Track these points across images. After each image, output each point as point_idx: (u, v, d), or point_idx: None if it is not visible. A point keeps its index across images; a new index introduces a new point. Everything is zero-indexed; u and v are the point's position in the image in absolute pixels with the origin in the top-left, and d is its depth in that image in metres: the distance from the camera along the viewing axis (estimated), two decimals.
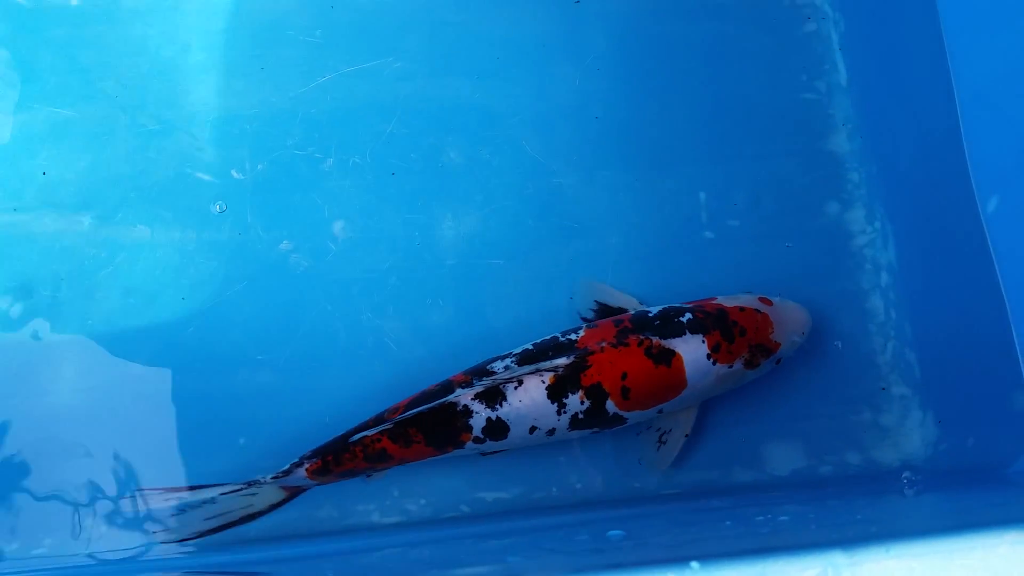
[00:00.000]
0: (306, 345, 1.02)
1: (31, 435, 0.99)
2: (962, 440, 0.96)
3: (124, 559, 0.97)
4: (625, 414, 0.92)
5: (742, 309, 0.95)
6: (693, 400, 0.94)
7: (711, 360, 0.92)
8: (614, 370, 0.90)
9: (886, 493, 0.91)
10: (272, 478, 0.93)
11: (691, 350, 0.91)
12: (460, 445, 0.92)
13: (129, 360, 1.01)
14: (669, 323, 0.92)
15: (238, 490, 0.93)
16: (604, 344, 0.91)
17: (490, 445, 0.92)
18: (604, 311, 1.00)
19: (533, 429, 0.91)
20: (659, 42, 1.11)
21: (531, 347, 0.94)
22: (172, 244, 1.04)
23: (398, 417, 0.90)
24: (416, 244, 1.06)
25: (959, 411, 0.97)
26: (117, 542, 0.98)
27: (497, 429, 0.91)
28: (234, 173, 1.07)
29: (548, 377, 0.90)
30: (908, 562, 0.52)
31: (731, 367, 0.93)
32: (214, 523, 0.93)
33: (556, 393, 0.90)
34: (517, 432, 0.91)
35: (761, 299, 0.98)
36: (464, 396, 0.90)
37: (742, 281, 1.04)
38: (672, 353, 0.91)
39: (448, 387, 0.92)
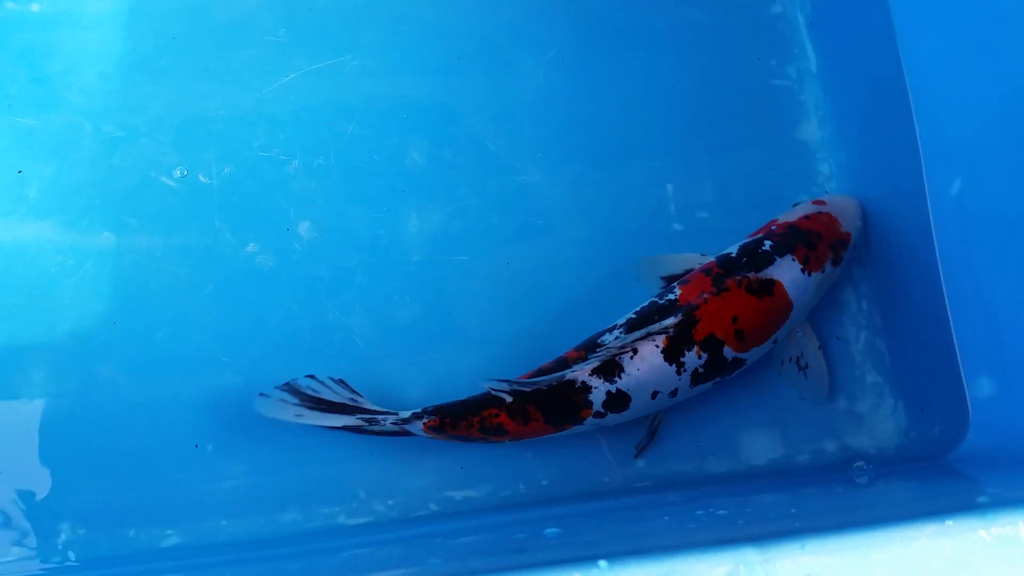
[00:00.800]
0: (272, 346, 1.02)
1: (2, 438, 0.99)
2: (929, 428, 0.94)
3: (97, 564, 0.97)
4: (744, 355, 0.92)
5: (808, 217, 0.97)
6: (801, 317, 0.96)
7: (806, 273, 0.94)
8: (723, 317, 0.90)
9: (843, 483, 0.89)
10: (392, 423, 0.92)
11: (787, 272, 0.93)
12: (580, 422, 0.91)
13: (98, 365, 1.01)
14: (756, 256, 0.94)
15: (357, 427, 0.92)
16: (706, 295, 0.91)
17: (612, 419, 0.92)
18: (672, 280, 0.98)
19: (655, 394, 0.91)
20: (623, 32, 1.10)
21: (634, 315, 0.93)
22: (139, 250, 1.04)
23: (517, 386, 0.89)
24: (382, 242, 1.05)
25: (927, 399, 0.95)
26: (91, 547, 0.97)
27: (618, 401, 0.90)
28: (200, 177, 1.07)
29: (661, 340, 0.89)
30: (823, 558, 0.50)
31: (823, 272, 0.95)
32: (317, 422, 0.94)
33: (672, 354, 0.89)
34: (639, 401, 0.90)
35: (815, 202, 1.00)
36: (581, 372, 0.89)
37: None
38: (772, 282, 0.92)
39: (563, 363, 0.92)
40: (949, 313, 0.89)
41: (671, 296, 0.93)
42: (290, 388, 0.95)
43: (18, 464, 0.98)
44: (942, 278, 0.90)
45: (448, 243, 1.05)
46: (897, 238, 1.00)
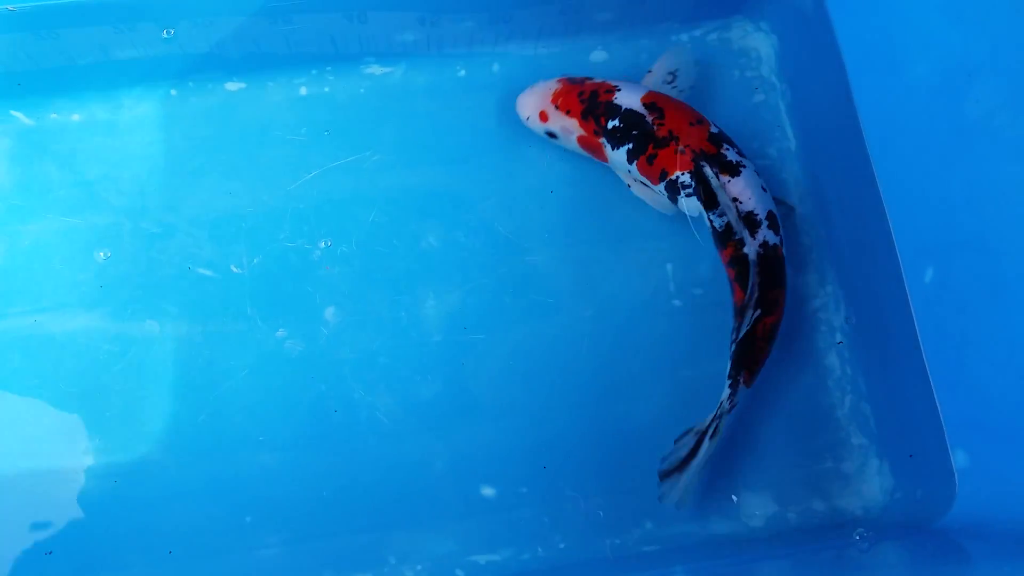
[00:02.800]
0: (303, 424, 1.07)
1: (60, 519, 1.04)
2: (912, 491, 0.99)
3: None
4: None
5: (582, 87, 1.08)
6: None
7: (636, 86, 1.08)
8: (691, 130, 1.03)
9: (842, 548, 0.94)
10: (728, 403, 0.97)
11: (630, 95, 1.05)
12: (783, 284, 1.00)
13: (144, 447, 1.06)
14: (608, 108, 1.05)
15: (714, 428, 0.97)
16: (680, 148, 1.02)
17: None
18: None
19: (764, 189, 1.03)
20: None
21: (701, 198, 1.02)
22: (180, 337, 1.10)
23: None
24: (402, 324, 1.11)
25: (909, 464, 1.00)
26: None
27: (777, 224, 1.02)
28: (233, 268, 1.12)
29: (726, 179, 1.01)
30: None
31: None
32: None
33: (732, 170, 1.01)
34: (766, 201, 1.02)
35: (561, 82, 1.10)
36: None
37: (709, 345, 1.09)
38: (649, 102, 1.04)
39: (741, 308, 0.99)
40: (933, 387, 0.93)
41: (687, 179, 1.01)
42: (664, 473, 1.00)
43: (76, 542, 1.03)
44: (924, 354, 0.94)
45: (464, 322, 1.10)
46: (877, 309, 1.04)
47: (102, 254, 1.12)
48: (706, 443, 0.98)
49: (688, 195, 1.03)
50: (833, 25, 1.04)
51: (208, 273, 1.12)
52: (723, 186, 1.00)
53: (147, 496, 1.05)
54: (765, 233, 1.00)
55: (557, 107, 1.06)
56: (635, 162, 1.04)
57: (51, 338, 1.10)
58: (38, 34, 1.10)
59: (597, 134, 1.05)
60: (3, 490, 1.05)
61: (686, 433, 1.01)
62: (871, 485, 1.04)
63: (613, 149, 1.05)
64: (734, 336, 0.99)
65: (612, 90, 1.05)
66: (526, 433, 1.06)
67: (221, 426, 1.07)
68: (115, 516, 1.05)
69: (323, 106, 1.17)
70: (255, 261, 1.12)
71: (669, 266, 1.12)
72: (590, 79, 1.08)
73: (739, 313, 1.00)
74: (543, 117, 1.07)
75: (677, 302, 1.11)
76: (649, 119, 1.03)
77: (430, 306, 1.11)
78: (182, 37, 1.12)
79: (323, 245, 1.11)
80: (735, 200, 1.00)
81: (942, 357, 0.92)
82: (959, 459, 0.91)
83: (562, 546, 1.04)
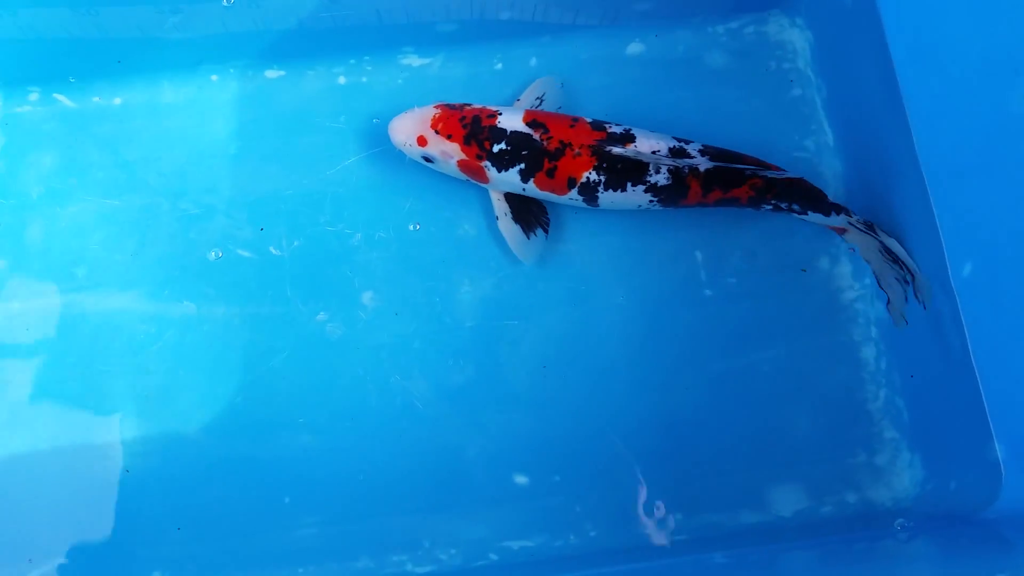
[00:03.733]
0: (341, 407, 1.06)
1: (96, 495, 1.04)
2: (945, 483, 0.98)
3: None
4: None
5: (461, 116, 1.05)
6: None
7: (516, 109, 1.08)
8: (570, 132, 1.04)
9: (880, 539, 0.93)
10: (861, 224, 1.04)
11: (511, 119, 1.05)
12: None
13: (183, 427, 1.06)
14: (492, 132, 1.04)
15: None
16: (577, 151, 1.02)
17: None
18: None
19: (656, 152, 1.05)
20: (656, 112, 1.14)
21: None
22: (217, 319, 1.09)
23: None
24: (437, 309, 1.10)
25: (942, 456, 0.99)
26: None
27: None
28: (272, 250, 1.12)
29: (629, 147, 1.03)
30: None
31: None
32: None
33: (623, 140, 1.04)
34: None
35: (437, 108, 1.06)
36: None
37: (741, 335, 1.08)
38: (534, 120, 1.05)
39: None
40: (978, 378, 0.91)
41: (595, 176, 1.03)
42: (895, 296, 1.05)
43: (113, 518, 1.03)
44: (969, 347, 0.93)
45: (498, 309, 1.09)
46: (915, 304, 1.04)
47: (141, 235, 1.12)
48: (897, 249, 1.02)
49: (604, 190, 1.03)
50: (882, 20, 1.02)
51: (247, 255, 1.11)
52: (637, 151, 1.01)
53: (184, 476, 1.05)
54: (694, 148, 1.04)
55: (437, 132, 1.04)
56: (531, 180, 1.04)
57: (88, 318, 1.10)
58: (85, 18, 1.10)
59: (480, 158, 1.04)
60: (40, 465, 1.04)
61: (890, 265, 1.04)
62: (902, 478, 1.03)
63: (499, 171, 1.04)
64: (798, 204, 1.05)
65: (494, 115, 1.04)
66: (559, 421, 1.06)
67: (260, 408, 1.07)
68: (151, 495, 1.04)
69: (361, 95, 1.16)
70: (295, 244, 1.12)
71: (699, 254, 1.11)
72: (468, 105, 1.06)
73: (765, 192, 1.04)
74: (421, 142, 1.05)
75: (708, 291, 1.10)
76: (536, 136, 1.03)
77: (465, 291, 1.10)
78: (236, 13, 1.11)
79: (412, 228, 1.11)
80: (655, 152, 1.02)
81: (987, 350, 0.90)
82: (1003, 450, 0.90)
83: (593, 534, 1.03)
